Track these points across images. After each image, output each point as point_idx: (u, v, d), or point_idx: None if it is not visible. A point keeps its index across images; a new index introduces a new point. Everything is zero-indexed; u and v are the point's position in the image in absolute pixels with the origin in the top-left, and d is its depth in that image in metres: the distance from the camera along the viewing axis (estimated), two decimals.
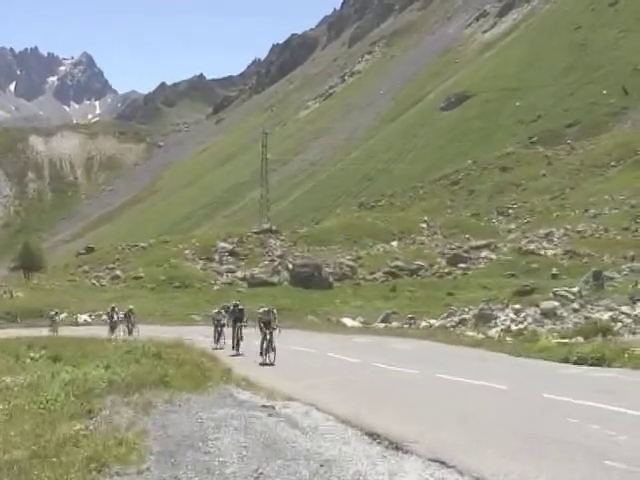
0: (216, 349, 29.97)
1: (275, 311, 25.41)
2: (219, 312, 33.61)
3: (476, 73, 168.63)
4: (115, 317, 42.50)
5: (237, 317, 29.38)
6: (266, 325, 24.22)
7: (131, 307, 43.31)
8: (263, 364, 23.34)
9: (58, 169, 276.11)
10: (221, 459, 9.51)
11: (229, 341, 30.38)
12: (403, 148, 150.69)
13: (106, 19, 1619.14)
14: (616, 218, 72.07)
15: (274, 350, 23.76)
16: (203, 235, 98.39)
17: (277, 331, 24.13)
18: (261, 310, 25.18)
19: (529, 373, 19.31)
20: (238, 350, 28.20)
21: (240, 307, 30.03)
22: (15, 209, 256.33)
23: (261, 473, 8.85)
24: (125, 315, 42.07)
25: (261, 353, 23.99)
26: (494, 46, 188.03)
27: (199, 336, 32.80)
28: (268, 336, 23.91)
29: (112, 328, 41.33)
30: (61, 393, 13.19)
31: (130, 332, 39.69)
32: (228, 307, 33.65)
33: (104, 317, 59.77)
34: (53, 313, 47.80)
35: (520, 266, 62.85)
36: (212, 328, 33.36)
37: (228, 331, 31.05)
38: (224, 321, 32.70)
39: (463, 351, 26.38)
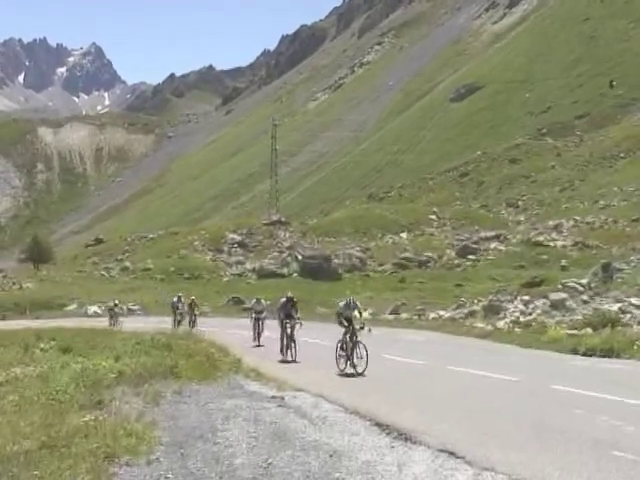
0: (259, 346, 27.39)
1: (359, 304, 20.01)
2: (259, 301, 29.58)
3: (485, 64, 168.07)
4: (181, 307, 38.68)
5: (289, 313, 22.86)
6: (349, 322, 18.98)
7: (192, 297, 39.11)
8: (344, 374, 18.26)
9: (67, 160, 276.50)
10: (230, 450, 9.55)
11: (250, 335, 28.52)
12: (412, 140, 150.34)
13: (115, 9, 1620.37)
14: (625, 210, 71.79)
15: (365, 356, 18.03)
16: (212, 226, 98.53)
17: (366, 330, 18.70)
18: (342, 303, 19.63)
19: (538, 364, 19.30)
20: (292, 355, 22.10)
21: (294, 300, 23.54)
22: (24, 200, 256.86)
23: (270, 463, 8.88)
24: (189, 306, 38.20)
25: (347, 358, 18.55)
26: (504, 37, 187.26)
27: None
28: (348, 336, 18.69)
29: (179, 321, 37.25)
30: (71, 384, 13.24)
31: (194, 324, 35.81)
32: (255, 302, 29.79)
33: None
34: (113, 304, 43.45)
35: (529, 257, 62.72)
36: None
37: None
38: (266, 313, 28.96)
39: (472, 342, 26.40)
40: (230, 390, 14.67)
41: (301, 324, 22.31)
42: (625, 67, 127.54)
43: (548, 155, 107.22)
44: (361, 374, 17.75)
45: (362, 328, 18.76)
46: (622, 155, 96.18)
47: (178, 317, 37.67)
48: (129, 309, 57.68)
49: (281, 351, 22.49)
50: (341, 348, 18.89)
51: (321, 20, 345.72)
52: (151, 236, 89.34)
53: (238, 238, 79.57)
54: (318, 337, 26.77)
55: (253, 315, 29.15)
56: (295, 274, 67.79)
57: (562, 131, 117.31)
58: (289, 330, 22.31)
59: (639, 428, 10.61)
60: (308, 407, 12.89)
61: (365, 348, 18.09)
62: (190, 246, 78.84)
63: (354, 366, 18.21)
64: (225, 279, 69.37)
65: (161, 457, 9.09)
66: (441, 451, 9.61)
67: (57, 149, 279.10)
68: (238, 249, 77.70)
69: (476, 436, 10.52)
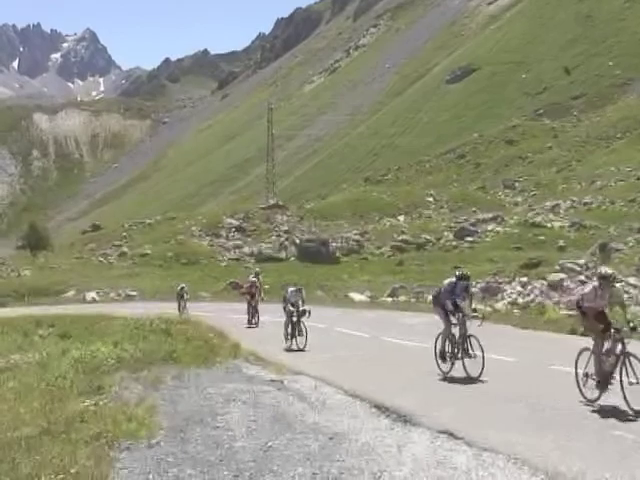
0: (291, 349, 20.39)
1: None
2: (298, 291, 21.69)
3: (482, 46, 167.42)
4: (255, 291, 30.24)
5: (456, 302, 14.61)
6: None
7: (254, 279, 31.21)
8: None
9: (63, 147, 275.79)
10: (230, 433, 9.58)
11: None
12: (409, 122, 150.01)
13: None
14: (622, 190, 71.83)
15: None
16: (209, 211, 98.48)
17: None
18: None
19: (536, 345, 19.32)
20: (469, 369, 13.92)
21: (469, 281, 15.14)
22: (20, 187, 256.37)
23: (270, 447, 8.90)
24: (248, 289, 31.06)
25: None
26: (499, 18, 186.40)
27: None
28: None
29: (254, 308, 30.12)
30: (70, 370, 13.26)
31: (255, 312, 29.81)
32: (293, 291, 21.70)
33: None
34: (180, 288, 37.30)
35: (527, 239, 62.77)
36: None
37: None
38: (305, 306, 21.10)
39: (470, 324, 26.39)
40: (229, 374, 14.69)
41: (483, 318, 14.52)
42: (621, 46, 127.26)
43: (545, 136, 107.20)
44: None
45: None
46: (619, 135, 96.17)
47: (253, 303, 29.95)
48: (127, 295, 57.73)
49: (441, 358, 14.75)
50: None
51: (316, 3, 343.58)
52: (148, 222, 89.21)
53: (235, 223, 79.53)
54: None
55: (290, 308, 21.10)
56: (293, 258, 67.85)
57: (559, 112, 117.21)
58: (457, 330, 14.56)
59: (638, 407, 10.62)
60: (307, 390, 12.90)
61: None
62: (187, 231, 78.77)
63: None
64: (223, 264, 69.38)
65: (162, 441, 9.12)
66: (440, 432, 9.63)
67: (53, 135, 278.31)
68: (236, 234, 77.66)
69: (476, 417, 10.55)
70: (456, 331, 14.48)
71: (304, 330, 20.41)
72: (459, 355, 14.20)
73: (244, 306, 30.36)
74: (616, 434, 9.30)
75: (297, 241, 69.91)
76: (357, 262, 65.40)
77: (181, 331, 20.54)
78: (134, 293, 57.78)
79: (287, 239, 71.81)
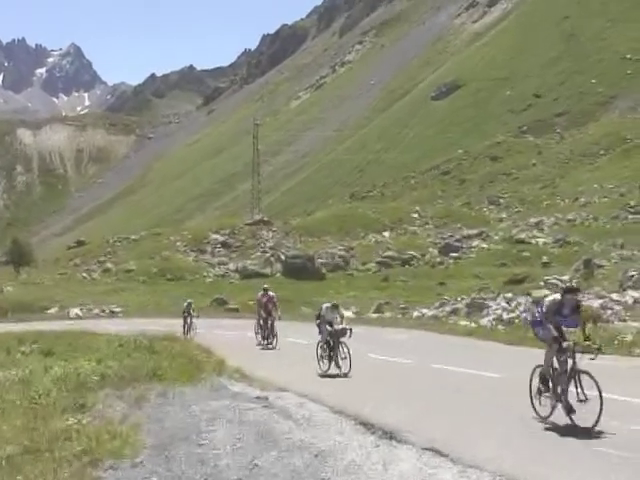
0: (327, 374, 18.36)
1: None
2: (335, 307, 19.52)
3: (466, 63, 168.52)
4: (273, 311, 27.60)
5: (560, 327, 11.58)
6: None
7: (271, 293, 28.62)
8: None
9: (47, 162, 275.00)
10: (215, 451, 9.52)
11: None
12: (394, 138, 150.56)
13: (94, 9, 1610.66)
14: (605, 206, 72.25)
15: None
16: (195, 227, 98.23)
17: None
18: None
19: (521, 361, 19.29)
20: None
21: (579, 298, 12.22)
22: (4, 203, 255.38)
23: (256, 464, 8.86)
24: (264, 305, 27.98)
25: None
26: (484, 36, 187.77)
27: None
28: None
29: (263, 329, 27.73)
30: (53, 388, 13.16)
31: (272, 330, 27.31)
32: (328, 308, 19.44)
33: None
34: (186, 304, 33.74)
35: (511, 255, 62.97)
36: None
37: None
38: (345, 325, 18.92)
39: (456, 340, 26.43)
40: (214, 391, 14.62)
41: (598, 349, 11.22)
42: (604, 64, 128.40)
43: (529, 152, 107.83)
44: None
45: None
46: (602, 152, 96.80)
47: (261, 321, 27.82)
48: (111, 311, 57.35)
49: (539, 397, 11.82)
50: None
51: (302, 19, 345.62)
52: (133, 237, 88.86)
53: (221, 238, 79.36)
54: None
55: (327, 329, 19.02)
56: (278, 274, 67.71)
57: (543, 128, 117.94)
58: (561, 363, 11.34)
59: (622, 423, 10.66)
60: (293, 407, 12.87)
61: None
62: (173, 247, 78.54)
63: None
64: (208, 280, 69.19)
65: (145, 460, 9.05)
66: (426, 449, 9.62)
67: (37, 150, 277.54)
68: (221, 249, 77.50)
69: (461, 434, 10.54)
70: (560, 364, 11.30)
71: (346, 352, 18.08)
72: (562, 396, 11.10)
73: (233, 322, 30.21)
74: (602, 450, 9.30)
75: (283, 257, 69.80)
76: (343, 278, 65.39)
77: (166, 348, 20.45)
78: (118, 309, 57.41)
79: (272, 255, 71.68)
